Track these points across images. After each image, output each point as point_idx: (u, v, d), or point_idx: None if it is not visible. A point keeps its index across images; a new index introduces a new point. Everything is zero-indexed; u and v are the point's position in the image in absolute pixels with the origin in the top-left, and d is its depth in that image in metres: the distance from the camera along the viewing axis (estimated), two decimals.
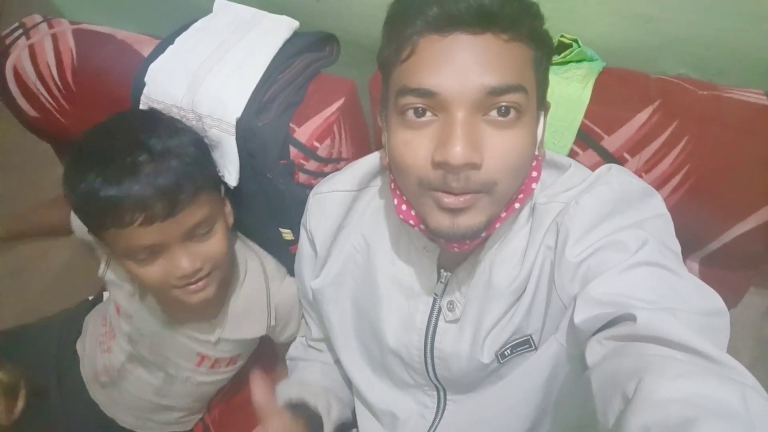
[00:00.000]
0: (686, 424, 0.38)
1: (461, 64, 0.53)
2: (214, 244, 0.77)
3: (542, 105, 0.61)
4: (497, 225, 0.61)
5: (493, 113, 0.54)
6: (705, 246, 0.77)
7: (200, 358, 0.92)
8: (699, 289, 0.55)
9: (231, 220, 0.83)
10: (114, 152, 0.70)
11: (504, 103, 0.54)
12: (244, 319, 0.90)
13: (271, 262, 0.94)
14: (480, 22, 0.52)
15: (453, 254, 0.67)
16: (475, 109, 0.54)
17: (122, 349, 0.93)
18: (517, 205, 0.61)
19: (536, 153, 0.62)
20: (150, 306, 0.88)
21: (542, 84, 0.60)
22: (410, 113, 0.56)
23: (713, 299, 0.54)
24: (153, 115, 0.79)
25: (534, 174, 0.62)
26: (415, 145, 0.56)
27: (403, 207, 0.63)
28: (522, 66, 0.55)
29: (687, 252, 0.79)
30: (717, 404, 0.40)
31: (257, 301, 0.90)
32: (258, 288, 0.91)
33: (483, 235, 0.60)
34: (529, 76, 0.56)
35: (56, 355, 1.03)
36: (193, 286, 0.76)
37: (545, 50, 0.59)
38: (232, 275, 0.89)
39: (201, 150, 0.77)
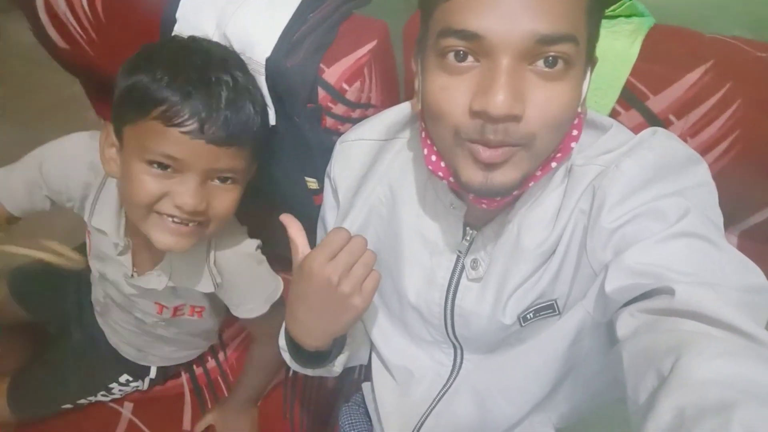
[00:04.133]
0: (724, 408, 0.37)
1: (511, 8, 0.49)
2: (226, 200, 0.73)
3: (591, 59, 0.57)
4: (531, 184, 0.58)
5: (540, 63, 0.50)
6: (746, 219, 0.74)
7: (158, 306, 0.90)
8: (741, 264, 0.52)
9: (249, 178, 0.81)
10: (202, 64, 0.69)
11: (552, 53, 0.50)
12: (186, 267, 0.84)
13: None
14: None
15: (480, 212, 0.65)
16: (521, 58, 0.50)
17: (97, 285, 0.95)
18: (553, 164, 0.58)
19: (579, 110, 0.58)
20: (122, 257, 0.84)
21: (593, 36, 0.55)
22: (451, 56, 0.52)
23: (756, 274, 0.52)
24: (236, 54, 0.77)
25: (574, 132, 0.59)
26: (454, 91, 0.53)
27: (433, 158, 0.60)
28: (575, 14, 0.51)
29: (726, 224, 0.75)
30: (758, 387, 0.38)
31: (197, 251, 0.83)
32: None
33: (515, 193, 0.57)
34: (582, 26, 0.52)
35: (77, 284, 1.06)
36: (174, 225, 0.71)
37: (601, 0, 0.54)
38: None
39: (266, 111, 0.78)
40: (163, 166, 0.68)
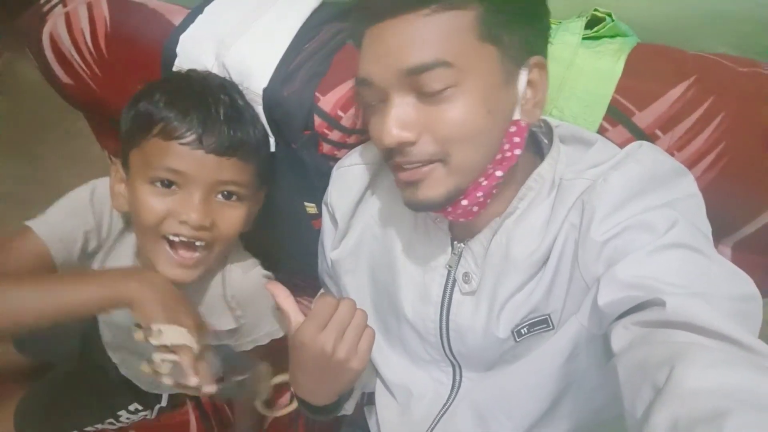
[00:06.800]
0: (718, 417, 0.37)
1: (385, 50, 0.57)
2: (231, 217, 0.74)
3: (516, 63, 0.60)
4: (480, 193, 0.62)
5: (421, 92, 0.57)
6: (738, 230, 0.74)
7: None
8: (731, 273, 0.53)
9: (255, 210, 0.82)
10: (200, 89, 0.74)
11: (429, 82, 0.56)
12: (205, 306, 0.84)
13: (234, 250, 0.87)
14: (395, 3, 0.55)
15: (465, 226, 0.68)
16: (406, 90, 0.58)
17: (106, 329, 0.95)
18: (498, 173, 0.61)
19: (517, 118, 0.61)
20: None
21: (508, 42, 0.58)
22: (367, 101, 0.63)
23: (745, 283, 0.52)
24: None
25: (516, 140, 0.62)
26: (374, 129, 0.63)
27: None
28: (454, 37, 0.56)
29: (719, 236, 0.76)
30: (750, 395, 0.38)
31: (211, 289, 0.84)
32: (213, 275, 0.84)
33: (465, 203, 0.62)
34: (468, 43, 0.56)
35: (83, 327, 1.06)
36: (179, 257, 0.72)
37: (499, 5, 0.57)
38: None
39: (267, 136, 0.81)
40: (166, 184, 0.70)
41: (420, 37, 0.55)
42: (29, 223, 0.76)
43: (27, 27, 0.96)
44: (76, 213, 0.79)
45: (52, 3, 0.95)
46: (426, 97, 0.57)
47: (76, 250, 0.78)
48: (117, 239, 0.83)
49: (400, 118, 0.58)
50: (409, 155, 0.60)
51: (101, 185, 0.81)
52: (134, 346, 0.86)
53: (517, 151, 0.62)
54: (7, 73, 2.39)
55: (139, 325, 0.69)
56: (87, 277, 0.71)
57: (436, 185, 0.61)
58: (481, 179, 0.61)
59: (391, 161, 0.62)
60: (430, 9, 0.54)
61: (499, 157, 0.61)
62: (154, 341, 0.66)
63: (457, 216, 0.64)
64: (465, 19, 0.55)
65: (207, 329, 0.75)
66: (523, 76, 0.61)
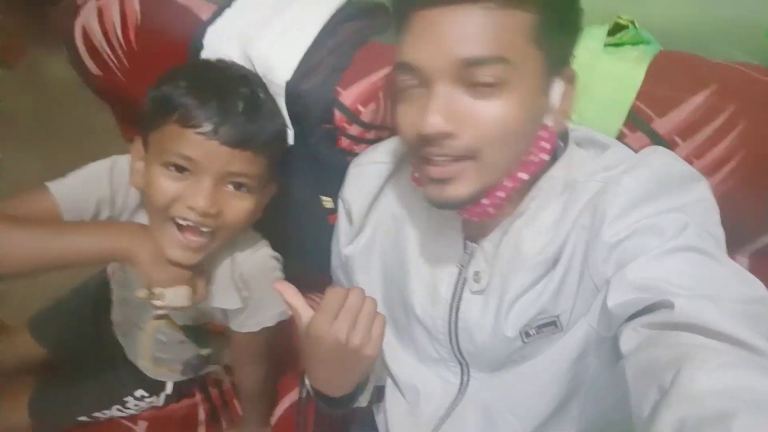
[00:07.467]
0: (724, 418, 0.37)
1: (439, 37, 0.55)
2: (238, 207, 0.75)
3: (555, 72, 0.60)
4: (502, 194, 0.62)
5: (472, 84, 0.56)
6: (756, 239, 0.74)
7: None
8: (741, 276, 0.53)
9: (266, 200, 0.84)
10: (222, 78, 0.75)
11: (481, 77, 0.55)
12: (214, 286, 0.85)
13: (243, 231, 0.87)
14: None
15: (477, 225, 0.68)
16: (454, 81, 0.56)
17: (119, 308, 0.97)
18: (523, 176, 0.62)
19: (549, 124, 0.62)
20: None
21: (553, 50, 0.58)
22: (402, 88, 0.61)
23: (755, 286, 0.52)
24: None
25: (545, 145, 0.62)
26: (407, 117, 0.61)
27: (416, 174, 0.66)
28: (510, 35, 0.55)
29: (736, 246, 0.76)
30: (757, 397, 0.38)
31: (221, 268, 0.85)
32: (222, 255, 0.85)
33: (485, 202, 0.62)
34: (521, 44, 0.56)
35: (94, 308, 1.09)
36: (184, 239, 0.74)
37: (554, 13, 0.57)
38: None
39: (285, 129, 0.83)
40: (179, 169, 0.71)
41: (480, 30, 0.54)
42: (48, 183, 0.78)
43: (60, 20, 0.99)
44: (93, 180, 0.81)
45: None
46: (472, 90, 0.56)
47: (87, 216, 0.80)
48: (132, 214, 0.85)
49: (443, 107, 0.56)
50: (444, 148, 0.58)
51: (122, 160, 0.83)
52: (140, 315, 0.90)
53: (544, 156, 0.62)
54: (33, 69, 2.44)
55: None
56: (88, 227, 0.75)
57: (465, 183, 0.60)
58: (506, 180, 0.62)
59: (421, 153, 0.60)
60: (494, 3, 0.54)
61: (526, 160, 0.62)
62: (157, 302, 0.71)
63: (473, 215, 0.64)
64: (522, 21, 0.55)
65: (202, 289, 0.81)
66: (558, 86, 0.61)
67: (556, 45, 0.59)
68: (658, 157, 0.62)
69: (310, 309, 0.67)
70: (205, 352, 1.01)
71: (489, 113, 0.56)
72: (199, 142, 0.70)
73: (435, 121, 0.56)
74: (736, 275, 0.53)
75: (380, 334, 0.64)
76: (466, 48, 0.54)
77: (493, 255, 0.68)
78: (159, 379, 1.04)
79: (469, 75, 0.55)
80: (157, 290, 0.73)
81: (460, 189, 0.60)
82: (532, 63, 0.57)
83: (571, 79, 0.62)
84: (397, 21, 0.61)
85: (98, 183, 0.81)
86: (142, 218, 0.83)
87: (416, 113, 0.58)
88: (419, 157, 0.61)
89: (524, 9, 0.55)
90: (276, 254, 0.89)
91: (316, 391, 0.74)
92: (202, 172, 0.71)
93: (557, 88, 0.61)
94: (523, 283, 0.65)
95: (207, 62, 0.81)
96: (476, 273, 0.70)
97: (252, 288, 0.86)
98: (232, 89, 0.74)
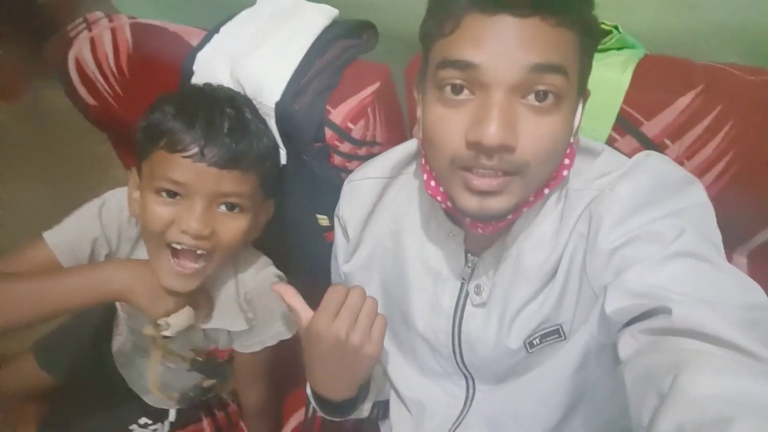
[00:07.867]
0: (722, 423, 0.37)
1: (504, 42, 0.52)
2: (232, 228, 0.76)
3: (582, 92, 0.60)
4: (526, 209, 0.61)
5: (531, 97, 0.53)
6: (752, 238, 0.74)
7: (194, 353, 0.93)
8: (739, 281, 0.52)
9: (264, 220, 0.85)
10: (208, 101, 0.76)
11: (542, 87, 0.53)
12: (218, 308, 0.86)
13: (246, 251, 0.89)
14: (530, 4, 0.51)
15: (479, 238, 0.67)
16: (514, 90, 0.52)
17: (127, 336, 0.97)
18: (546, 191, 0.61)
19: (571, 140, 0.60)
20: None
21: (585, 71, 0.58)
22: (447, 89, 0.55)
23: (755, 292, 0.51)
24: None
25: (567, 161, 0.61)
26: (450, 122, 0.55)
27: (432, 183, 0.62)
28: (567, 50, 0.54)
29: (733, 245, 0.76)
30: (756, 402, 0.38)
31: (225, 290, 0.86)
32: (226, 277, 0.86)
33: (509, 217, 0.60)
34: (573, 61, 0.54)
35: (96, 335, 1.09)
36: (179, 267, 0.74)
37: (592, 37, 0.57)
38: None
39: (275, 147, 0.83)
40: (170, 194, 0.72)
41: (547, 39, 0.52)
42: (44, 233, 0.82)
43: (53, 51, 1.00)
44: (84, 222, 0.83)
45: (78, 29, 0.99)
46: (530, 105, 0.54)
47: (84, 257, 0.82)
48: (134, 246, 0.86)
49: (506, 117, 0.52)
50: (499, 161, 0.54)
51: (111, 197, 0.86)
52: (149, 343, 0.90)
53: (565, 172, 0.61)
54: (35, 100, 2.47)
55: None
56: (80, 272, 0.76)
57: (509, 197, 0.57)
58: (532, 195, 0.60)
59: (465, 162, 0.56)
60: (556, 20, 0.52)
61: (553, 174, 0.61)
62: (166, 333, 0.72)
63: (487, 229, 0.61)
64: (571, 39, 0.55)
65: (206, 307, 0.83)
66: (580, 104, 0.60)
67: (587, 66, 0.59)
68: (653, 163, 0.62)
69: (310, 309, 0.67)
70: (209, 383, 1.02)
71: (546, 130, 0.54)
72: (187, 166, 0.71)
73: (497, 132, 0.52)
74: (735, 280, 0.52)
75: (380, 334, 0.65)
76: (534, 54, 0.52)
77: (495, 268, 0.68)
78: (160, 407, 1.04)
79: (532, 82, 0.52)
80: (161, 322, 0.75)
81: (504, 202, 0.57)
82: (575, 81, 0.56)
83: (586, 99, 0.62)
84: (440, 18, 0.56)
85: (90, 223, 0.83)
86: (144, 249, 0.84)
87: (465, 119, 0.54)
88: (458, 166, 0.56)
89: (572, 29, 0.54)
90: (280, 273, 0.90)
91: (317, 397, 0.73)
92: (192, 195, 0.72)
93: (580, 107, 0.61)
94: (525, 294, 0.65)
95: (193, 87, 0.83)
96: (477, 286, 0.69)
97: (256, 308, 0.86)
98: (217, 111, 0.74)
